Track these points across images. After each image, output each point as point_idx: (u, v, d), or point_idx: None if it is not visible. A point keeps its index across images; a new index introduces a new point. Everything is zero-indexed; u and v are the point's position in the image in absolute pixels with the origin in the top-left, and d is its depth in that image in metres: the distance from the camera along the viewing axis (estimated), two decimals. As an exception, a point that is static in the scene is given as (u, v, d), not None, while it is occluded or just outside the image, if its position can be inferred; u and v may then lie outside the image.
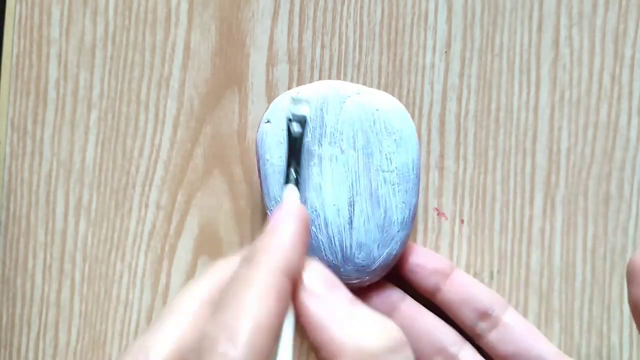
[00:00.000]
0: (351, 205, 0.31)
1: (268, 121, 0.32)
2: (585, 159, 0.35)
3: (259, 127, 0.33)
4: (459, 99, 0.35)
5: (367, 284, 0.33)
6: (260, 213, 0.36)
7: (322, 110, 0.32)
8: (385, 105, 0.32)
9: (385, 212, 0.31)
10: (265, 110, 0.33)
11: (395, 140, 0.32)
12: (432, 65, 0.35)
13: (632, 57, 0.35)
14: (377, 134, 0.32)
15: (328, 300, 0.22)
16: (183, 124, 0.36)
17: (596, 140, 0.35)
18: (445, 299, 0.33)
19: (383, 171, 0.32)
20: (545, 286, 0.35)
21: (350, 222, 0.31)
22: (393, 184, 0.32)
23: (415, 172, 0.32)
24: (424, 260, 0.33)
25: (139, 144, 0.36)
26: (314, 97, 0.32)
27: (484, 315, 0.32)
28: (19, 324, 0.36)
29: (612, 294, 0.35)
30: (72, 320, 0.36)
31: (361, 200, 0.31)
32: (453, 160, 0.35)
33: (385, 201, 0.31)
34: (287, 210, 0.23)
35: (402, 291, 0.34)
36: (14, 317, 0.36)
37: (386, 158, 0.32)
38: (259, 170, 0.33)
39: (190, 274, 0.36)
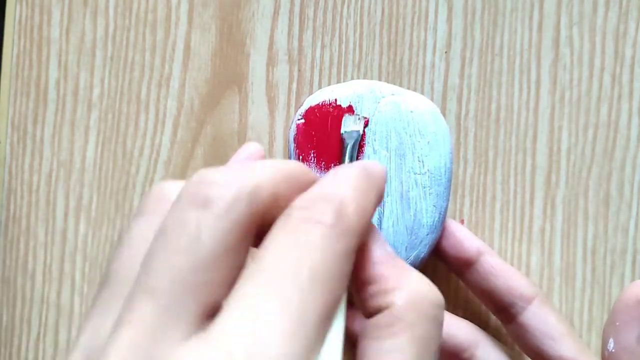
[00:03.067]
0: (381, 205, 0.31)
1: (301, 119, 0.32)
2: (585, 159, 0.35)
3: (291, 125, 0.33)
4: (459, 99, 0.35)
5: None
6: (261, 213, 0.36)
7: (356, 109, 0.32)
8: (420, 107, 0.32)
9: (415, 214, 0.31)
10: (300, 107, 0.33)
11: (428, 142, 0.31)
12: (433, 65, 0.35)
13: (633, 57, 0.35)
14: (410, 136, 0.31)
15: (391, 253, 0.22)
16: (183, 124, 0.36)
17: (596, 140, 0.35)
18: (468, 284, 0.33)
19: (415, 173, 0.31)
20: (545, 286, 0.35)
21: (380, 223, 0.31)
22: (424, 187, 0.31)
23: (447, 175, 0.32)
24: (448, 246, 0.33)
25: (139, 144, 0.36)
26: (349, 96, 0.32)
27: (501, 309, 0.32)
28: (19, 324, 0.36)
29: (612, 294, 0.35)
30: (73, 320, 0.36)
31: (391, 202, 0.31)
32: (453, 160, 0.35)
33: (416, 204, 0.31)
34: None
35: None
36: (14, 317, 0.36)
37: (419, 160, 0.31)
38: None
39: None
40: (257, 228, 0.19)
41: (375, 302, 0.20)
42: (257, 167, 0.20)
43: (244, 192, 0.19)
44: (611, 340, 0.29)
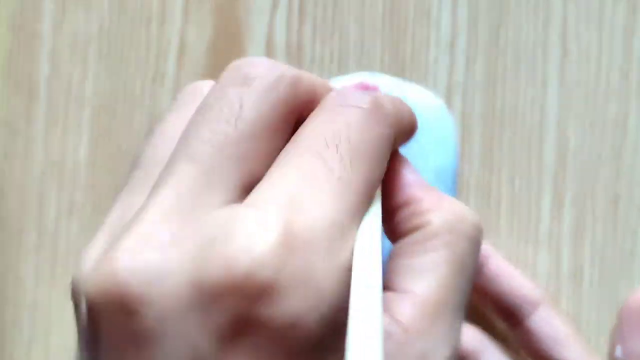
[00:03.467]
0: None
1: None
2: (593, 157, 0.35)
3: None
4: (464, 97, 0.35)
5: None
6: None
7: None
8: (426, 102, 0.31)
9: None
10: None
11: (434, 139, 0.31)
12: (436, 62, 0.35)
13: (642, 53, 0.35)
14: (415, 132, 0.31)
15: (424, 181, 0.22)
16: (179, 123, 0.35)
17: (605, 138, 0.35)
18: (473, 288, 0.33)
19: (420, 171, 0.31)
20: (552, 288, 0.35)
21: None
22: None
23: (452, 172, 0.31)
24: None
25: (133, 143, 0.35)
26: None
27: (507, 313, 0.32)
28: (10, 329, 0.35)
29: (621, 296, 0.34)
30: (64, 325, 0.35)
31: None
32: (458, 159, 0.35)
33: None
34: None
35: None
36: (5, 321, 0.35)
37: (423, 157, 0.31)
38: None
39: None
40: (297, 117, 0.20)
41: (409, 224, 0.20)
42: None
43: (286, 74, 0.19)
44: (618, 347, 0.29)
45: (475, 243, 0.20)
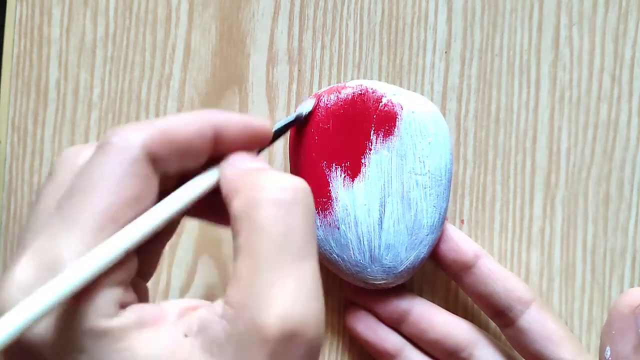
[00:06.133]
0: (382, 206, 0.31)
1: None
2: (585, 159, 0.35)
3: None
4: (459, 99, 0.35)
5: (393, 285, 0.32)
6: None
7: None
8: (421, 108, 0.32)
9: (415, 215, 0.31)
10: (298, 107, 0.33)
11: (429, 143, 0.31)
12: (432, 66, 0.35)
13: (632, 58, 0.35)
14: (411, 137, 0.31)
15: (245, 162, 0.23)
16: (183, 124, 0.36)
17: (596, 140, 0.35)
18: (465, 289, 0.33)
19: (416, 174, 0.31)
20: (545, 286, 0.35)
21: (380, 223, 0.31)
22: (425, 188, 0.31)
23: (447, 176, 0.32)
24: (446, 249, 0.33)
25: (139, 144, 0.36)
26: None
27: (499, 313, 0.32)
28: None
29: (612, 294, 0.35)
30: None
31: (392, 202, 0.31)
32: (453, 160, 0.35)
33: (416, 204, 0.31)
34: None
35: (414, 294, 0.34)
36: (15, 317, 0.36)
37: (419, 161, 0.31)
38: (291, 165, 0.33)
39: (191, 273, 0.36)
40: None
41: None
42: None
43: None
44: (608, 348, 0.29)
45: (284, 205, 0.21)
